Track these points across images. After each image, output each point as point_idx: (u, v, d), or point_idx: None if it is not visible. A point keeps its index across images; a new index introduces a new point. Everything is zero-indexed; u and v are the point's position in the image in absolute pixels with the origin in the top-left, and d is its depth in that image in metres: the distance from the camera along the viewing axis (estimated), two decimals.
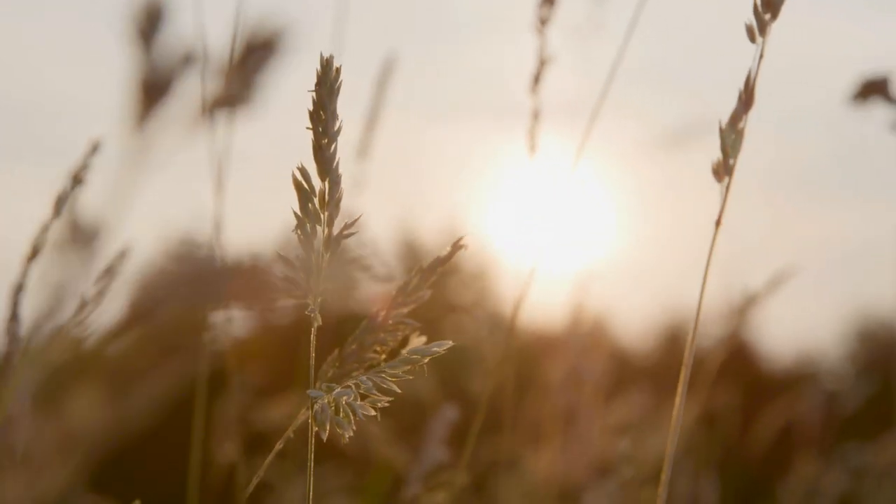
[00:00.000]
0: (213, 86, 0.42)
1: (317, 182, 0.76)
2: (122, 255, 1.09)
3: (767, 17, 0.71)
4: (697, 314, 0.72)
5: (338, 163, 0.76)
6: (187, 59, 0.40)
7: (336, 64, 0.76)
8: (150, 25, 0.39)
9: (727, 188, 0.70)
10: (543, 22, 1.16)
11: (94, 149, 1.08)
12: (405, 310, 0.85)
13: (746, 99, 0.71)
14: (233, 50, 0.42)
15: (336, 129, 0.76)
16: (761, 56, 0.71)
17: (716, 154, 0.78)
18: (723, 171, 0.70)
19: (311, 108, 0.75)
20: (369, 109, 1.85)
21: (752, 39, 0.71)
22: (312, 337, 0.77)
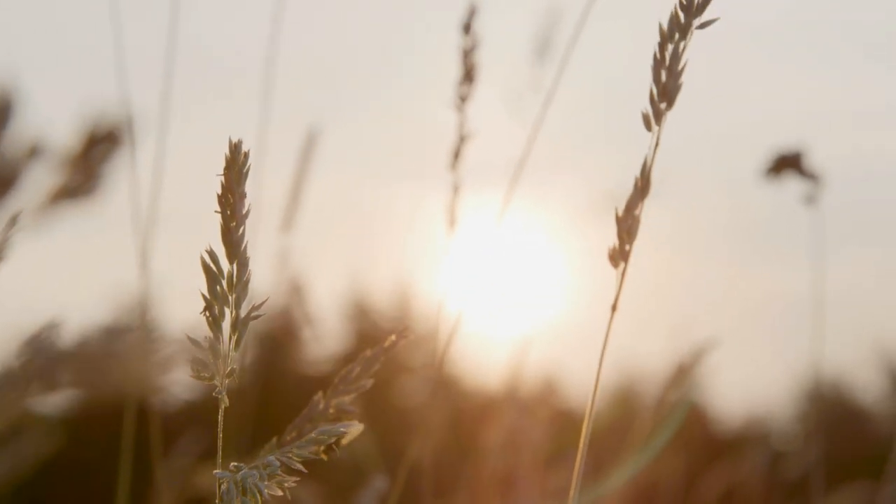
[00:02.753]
0: (58, 177, 0.43)
1: (225, 264, 0.77)
2: (50, 328, 1.09)
3: (663, 106, 0.73)
4: (595, 390, 0.74)
5: (246, 245, 0.77)
6: (34, 152, 0.41)
7: (244, 149, 0.77)
8: None
9: (623, 273, 0.72)
10: (463, 99, 1.18)
11: (13, 224, 1.08)
12: (347, 398, 0.87)
13: (642, 186, 0.73)
14: (77, 142, 0.43)
15: (244, 212, 0.77)
16: (657, 144, 0.73)
17: (666, 218, 0.80)
18: (619, 256, 0.72)
19: (219, 191, 0.76)
20: (292, 182, 1.86)
21: (648, 128, 0.73)
22: (220, 418, 0.78)
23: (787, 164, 1.66)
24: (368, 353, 0.87)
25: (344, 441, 0.82)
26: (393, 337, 0.87)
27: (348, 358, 0.89)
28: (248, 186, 0.78)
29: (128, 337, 0.47)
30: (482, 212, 1.30)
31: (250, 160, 0.77)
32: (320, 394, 0.87)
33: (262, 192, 1.63)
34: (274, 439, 0.87)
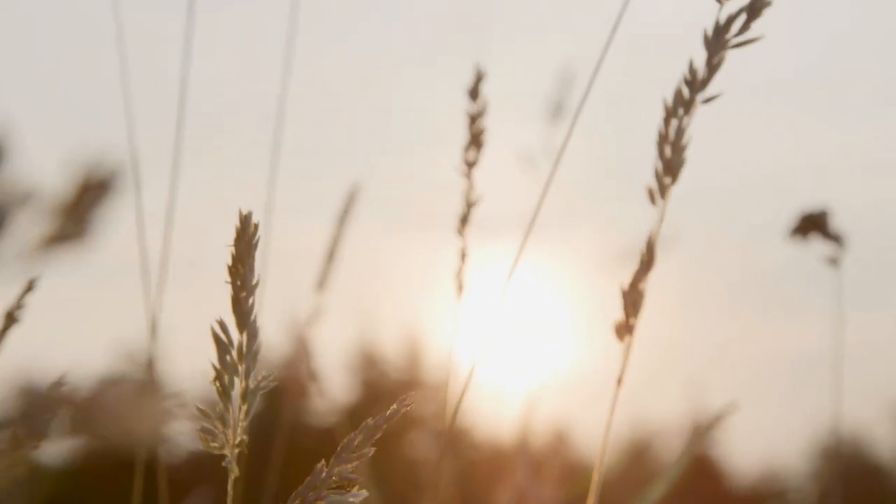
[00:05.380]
0: (47, 224, 0.43)
1: (235, 334, 0.78)
2: (59, 384, 1.10)
3: (668, 180, 0.74)
4: (600, 461, 0.74)
5: (256, 315, 0.78)
6: (25, 198, 0.41)
7: (254, 220, 0.78)
8: None
9: (629, 346, 0.72)
10: (470, 165, 1.18)
11: (30, 288, 1.09)
12: (349, 466, 0.87)
13: (647, 260, 0.73)
14: (67, 188, 0.43)
15: (254, 282, 0.78)
16: (662, 218, 0.74)
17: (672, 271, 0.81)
18: (624, 330, 0.72)
19: (229, 262, 0.78)
20: (329, 242, 1.85)
21: (653, 202, 0.74)
22: (230, 488, 0.79)
23: (813, 224, 1.67)
24: (371, 421, 0.88)
25: None
26: (395, 406, 0.87)
27: (356, 410, 0.90)
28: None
29: (125, 385, 0.47)
30: (494, 264, 1.30)
31: (260, 231, 0.78)
32: (322, 462, 0.87)
33: (270, 249, 1.64)
34: None
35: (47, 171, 0.44)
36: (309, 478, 0.85)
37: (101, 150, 0.44)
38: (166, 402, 0.50)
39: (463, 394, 1.23)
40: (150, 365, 1.38)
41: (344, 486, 0.86)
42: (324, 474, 0.84)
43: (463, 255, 1.18)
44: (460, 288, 1.19)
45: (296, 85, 1.61)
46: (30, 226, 0.43)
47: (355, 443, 0.86)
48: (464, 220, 1.18)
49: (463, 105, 1.21)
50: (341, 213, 1.88)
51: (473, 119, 1.19)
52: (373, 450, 0.85)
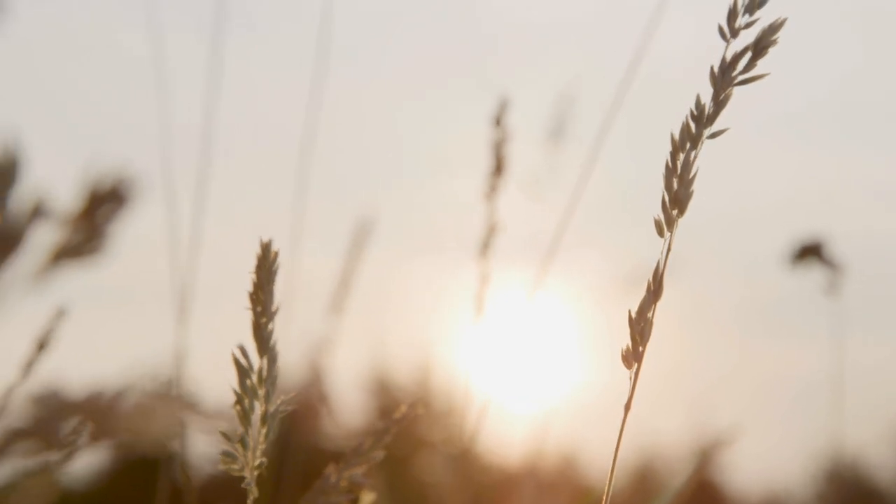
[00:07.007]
0: (60, 236, 0.43)
1: (255, 359, 0.80)
2: (76, 392, 1.12)
3: (675, 213, 0.76)
4: (608, 488, 0.76)
5: (276, 341, 0.80)
6: (38, 211, 0.42)
7: (273, 248, 0.80)
8: (3, 181, 0.41)
9: (636, 374, 0.75)
10: (493, 190, 1.21)
11: (60, 315, 1.12)
12: (359, 470, 0.89)
13: (655, 289, 0.75)
14: (79, 200, 0.43)
15: (274, 309, 0.80)
16: (669, 249, 0.76)
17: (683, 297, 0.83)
18: (632, 358, 0.75)
19: (250, 289, 0.80)
20: (343, 269, 1.87)
21: (661, 234, 0.76)
22: None
23: (810, 253, 1.71)
24: (379, 425, 0.89)
25: None
26: (403, 409, 0.89)
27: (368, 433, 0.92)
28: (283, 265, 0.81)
29: (142, 393, 0.47)
30: (507, 287, 1.32)
31: (280, 259, 0.80)
32: (332, 466, 0.89)
33: (297, 275, 1.66)
34: None
35: (64, 189, 0.45)
36: (318, 482, 0.87)
37: (115, 163, 0.44)
38: (184, 408, 0.50)
39: (479, 417, 1.25)
40: (171, 381, 1.40)
41: (353, 490, 0.87)
42: (333, 478, 0.86)
43: (484, 279, 1.20)
44: (480, 311, 1.21)
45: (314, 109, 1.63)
46: (44, 240, 0.43)
47: (364, 447, 0.88)
48: (485, 244, 1.20)
49: (477, 131, 1.23)
50: (354, 242, 1.90)
51: (497, 146, 1.22)
52: (382, 454, 0.87)
